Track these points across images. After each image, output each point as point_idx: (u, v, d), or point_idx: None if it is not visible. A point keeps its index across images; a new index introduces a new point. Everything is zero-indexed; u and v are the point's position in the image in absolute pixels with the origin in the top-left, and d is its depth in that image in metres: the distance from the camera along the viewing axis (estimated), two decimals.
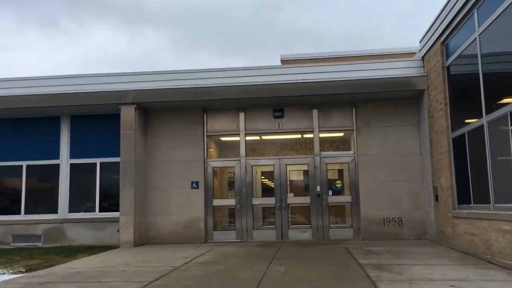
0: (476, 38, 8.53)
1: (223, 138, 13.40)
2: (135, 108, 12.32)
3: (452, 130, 10.01)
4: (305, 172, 12.89)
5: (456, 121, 9.90)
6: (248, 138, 12.93)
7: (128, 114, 12.30)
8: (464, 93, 9.80)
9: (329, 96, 12.11)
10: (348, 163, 12.57)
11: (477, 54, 8.53)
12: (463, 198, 9.63)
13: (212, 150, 13.30)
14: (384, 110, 12.41)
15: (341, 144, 13.26)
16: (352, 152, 12.59)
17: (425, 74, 11.56)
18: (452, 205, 9.91)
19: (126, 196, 12.03)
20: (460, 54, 9.54)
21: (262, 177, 13.67)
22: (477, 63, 8.50)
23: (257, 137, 13.25)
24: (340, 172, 13.09)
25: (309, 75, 12.07)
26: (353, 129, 12.56)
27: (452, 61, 9.97)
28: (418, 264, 8.03)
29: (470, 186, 9.15)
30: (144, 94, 12.30)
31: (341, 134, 13.08)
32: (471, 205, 9.08)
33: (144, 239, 12.40)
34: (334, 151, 12.94)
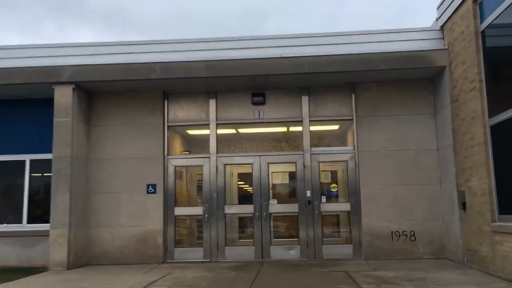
0: None
1: (189, 130, 10.67)
2: (74, 89, 9.51)
3: (490, 115, 7.48)
4: (292, 174, 10.26)
5: (496, 104, 7.38)
6: (220, 130, 10.23)
7: (63, 97, 9.49)
8: (508, 65, 7.29)
9: (323, 76, 9.50)
10: (346, 161, 9.95)
11: None
12: (506, 206, 7.10)
13: (175, 145, 10.55)
14: (391, 95, 9.85)
15: (338, 138, 10.64)
16: (351, 147, 9.99)
17: (446, 47, 9.05)
18: (491, 215, 7.35)
19: (59, 202, 9.20)
20: (503, 12, 7.04)
21: (239, 180, 10.99)
22: None
23: (232, 130, 10.56)
24: (336, 173, 10.45)
25: (297, 48, 9.45)
26: (352, 119, 9.97)
27: (491, 22, 7.46)
28: None
29: None
30: (86, 71, 9.50)
31: (337, 126, 10.48)
32: None
33: (83, 259, 9.56)
34: (328, 146, 10.31)
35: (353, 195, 9.78)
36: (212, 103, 10.23)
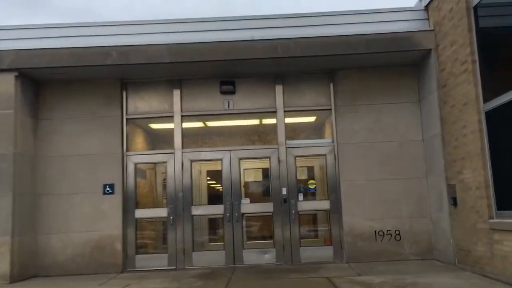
0: None
1: (151, 124, 9.62)
2: (16, 77, 8.34)
3: (485, 100, 6.72)
4: (266, 170, 9.34)
5: (491, 87, 6.63)
6: (186, 123, 9.22)
7: (4, 86, 8.31)
8: (504, 44, 6.55)
9: (298, 62, 8.61)
10: (324, 155, 9.08)
11: None
12: (505, 201, 6.35)
13: (135, 140, 9.49)
14: (372, 82, 9.03)
15: (315, 130, 9.82)
16: (329, 140, 9.13)
17: (432, 28, 8.28)
18: (488, 211, 6.58)
19: (0, 206, 8.03)
20: None
21: (208, 178, 10.01)
22: None
23: (199, 122, 9.58)
24: (314, 168, 9.59)
25: (270, 30, 8.53)
26: (331, 109, 9.11)
27: None
28: None
29: None
30: (30, 57, 8.33)
31: (314, 117, 9.62)
32: None
33: (30, 270, 8.40)
34: (305, 139, 9.43)
35: (333, 192, 8.92)
36: (177, 93, 9.21)
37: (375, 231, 8.65)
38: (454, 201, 7.59)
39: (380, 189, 8.72)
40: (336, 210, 8.84)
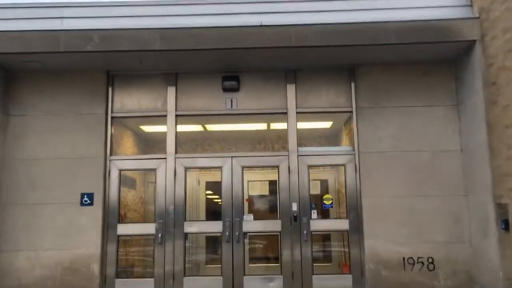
0: None
1: (140, 124, 8.28)
2: None
3: None
4: (273, 182, 7.97)
5: None
6: (181, 124, 7.87)
7: None
8: None
9: (315, 53, 7.27)
10: (343, 165, 7.68)
11: None
12: None
13: (121, 142, 8.14)
14: (401, 81, 7.67)
15: (332, 136, 8.44)
16: (350, 148, 7.74)
17: (477, 15, 6.92)
18: None
19: None
20: None
21: (205, 189, 8.65)
22: None
23: (196, 123, 8.23)
24: (330, 180, 8.17)
25: (282, 16, 7.20)
26: (351, 111, 7.75)
27: None
28: None
29: None
30: None
31: (332, 120, 8.24)
32: None
33: None
34: (320, 146, 8.08)
35: (353, 209, 7.49)
36: (171, 89, 7.89)
37: (404, 258, 7.20)
38: (505, 225, 6.15)
39: (409, 208, 7.30)
40: (356, 231, 7.40)
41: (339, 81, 7.87)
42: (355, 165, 7.57)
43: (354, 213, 7.47)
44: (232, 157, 7.75)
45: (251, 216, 7.66)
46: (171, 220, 7.52)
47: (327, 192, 7.90)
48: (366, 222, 7.32)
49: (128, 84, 7.95)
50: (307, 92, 7.87)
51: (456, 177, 7.32)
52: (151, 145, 8.43)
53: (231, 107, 7.86)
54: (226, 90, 7.84)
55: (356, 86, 7.72)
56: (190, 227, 7.57)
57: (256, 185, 8.50)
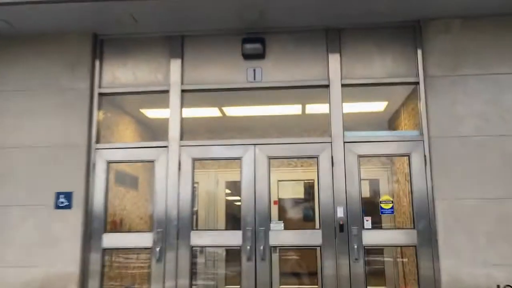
0: None
1: (135, 102, 6.47)
2: None
3: None
4: (309, 181, 6.01)
5: None
6: (188, 104, 6.00)
7: None
8: None
9: (365, 3, 5.27)
10: (407, 155, 5.61)
11: None
12: None
13: (110, 126, 6.33)
14: (488, 39, 5.57)
15: (391, 116, 6.37)
16: (415, 132, 5.67)
17: None
18: None
19: None
20: None
21: (227, 192, 6.77)
22: None
23: (208, 102, 6.34)
24: (389, 176, 6.12)
25: None
26: (418, 82, 5.69)
27: None
28: None
29: None
30: None
31: (389, 95, 6.19)
32: None
33: None
34: (374, 130, 6.01)
35: (423, 216, 5.39)
36: (176, 56, 6.03)
37: (498, 286, 5.07)
38: None
39: (506, 215, 5.17)
40: (427, 246, 5.31)
41: (399, 42, 5.83)
42: (425, 155, 5.48)
43: (424, 221, 5.37)
44: (255, 144, 5.79)
45: (280, 225, 5.66)
46: (173, 229, 5.63)
47: (385, 193, 5.83)
48: (442, 234, 5.22)
49: (122, 50, 6.16)
50: (355, 58, 5.85)
51: None
52: (149, 129, 6.59)
53: (254, 79, 5.92)
54: (247, 56, 5.91)
55: (425, 48, 5.65)
56: (198, 239, 5.64)
57: (287, 184, 6.58)
